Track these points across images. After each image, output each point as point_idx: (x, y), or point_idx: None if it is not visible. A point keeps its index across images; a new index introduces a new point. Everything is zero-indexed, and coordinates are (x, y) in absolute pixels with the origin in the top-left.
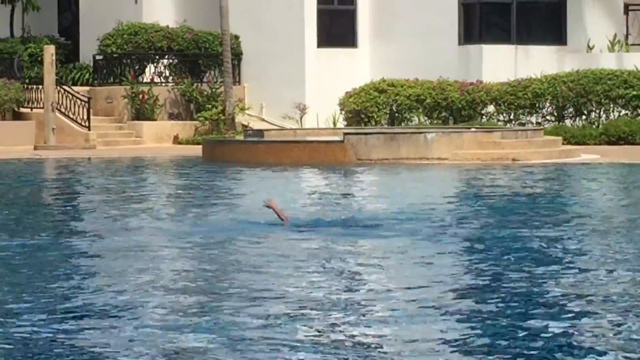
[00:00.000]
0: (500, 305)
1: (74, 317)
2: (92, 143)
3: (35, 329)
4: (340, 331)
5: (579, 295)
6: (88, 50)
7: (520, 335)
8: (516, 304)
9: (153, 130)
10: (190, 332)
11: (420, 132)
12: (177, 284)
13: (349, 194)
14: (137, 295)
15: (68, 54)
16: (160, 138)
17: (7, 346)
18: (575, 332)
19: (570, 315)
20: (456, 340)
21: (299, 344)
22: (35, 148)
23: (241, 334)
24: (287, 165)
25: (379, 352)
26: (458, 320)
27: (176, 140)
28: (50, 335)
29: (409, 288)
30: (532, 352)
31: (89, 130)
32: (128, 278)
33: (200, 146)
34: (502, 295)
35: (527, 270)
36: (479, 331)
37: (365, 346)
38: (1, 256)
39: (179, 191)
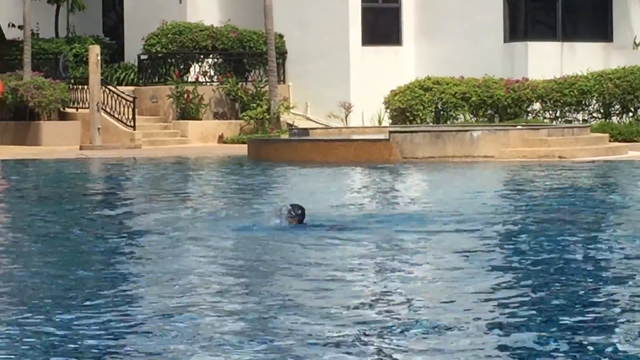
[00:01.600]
0: None
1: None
2: (137, 143)
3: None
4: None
5: None
6: (133, 50)
7: None
8: None
9: (198, 130)
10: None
11: (466, 130)
12: (237, 289)
13: (415, 193)
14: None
15: (113, 54)
16: (206, 137)
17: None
18: None
19: None
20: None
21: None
22: (81, 148)
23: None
24: (332, 164)
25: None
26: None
27: (221, 139)
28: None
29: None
30: None
31: (134, 129)
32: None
33: (246, 145)
34: None
35: None
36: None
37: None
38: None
39: (230, 190)
